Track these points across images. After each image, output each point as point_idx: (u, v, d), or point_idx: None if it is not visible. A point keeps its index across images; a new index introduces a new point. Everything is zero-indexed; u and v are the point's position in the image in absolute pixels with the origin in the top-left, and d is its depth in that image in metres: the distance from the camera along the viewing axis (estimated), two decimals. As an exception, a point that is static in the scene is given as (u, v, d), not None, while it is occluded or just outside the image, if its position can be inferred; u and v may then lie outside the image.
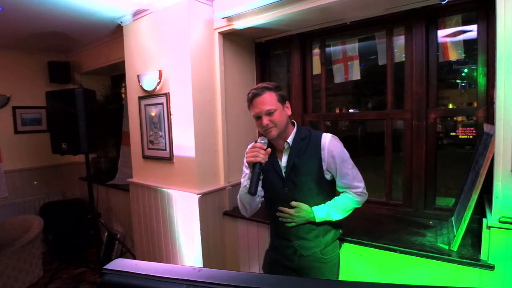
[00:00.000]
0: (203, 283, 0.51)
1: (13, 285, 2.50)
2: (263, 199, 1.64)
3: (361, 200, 1.56)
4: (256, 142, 1.47)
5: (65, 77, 3.78)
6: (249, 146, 1.48)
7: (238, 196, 1.59)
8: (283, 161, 1.52)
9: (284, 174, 1.51)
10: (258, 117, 1.44)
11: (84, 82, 3.81)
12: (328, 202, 1.54)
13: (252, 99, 1.44)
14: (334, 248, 1.61)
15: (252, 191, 1.38)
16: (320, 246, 1.55)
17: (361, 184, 1.54)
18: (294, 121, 1.57)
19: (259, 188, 1.52)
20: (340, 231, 1.67)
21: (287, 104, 1.50)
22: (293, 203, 1.50)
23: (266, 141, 1.46)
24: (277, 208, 1.54)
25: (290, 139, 1.50)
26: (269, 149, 1.42)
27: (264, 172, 1.48)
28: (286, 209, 1.51)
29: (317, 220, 1.50)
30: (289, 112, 1.50)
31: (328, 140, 1.49)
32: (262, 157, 1.39)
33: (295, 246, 1.55)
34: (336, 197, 1.57)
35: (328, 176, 1.52)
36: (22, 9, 2.37)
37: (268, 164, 1.49)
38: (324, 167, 1.49)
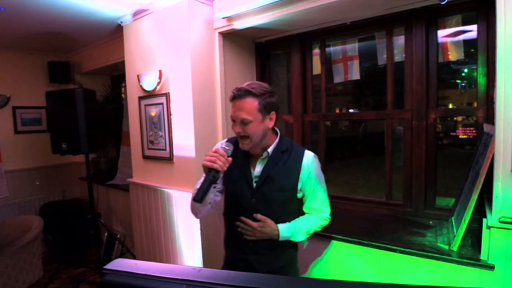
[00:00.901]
0: (203, 283, 0.51)
1: (13, 285, 2.50)
2: (216, 201, 1.50)
3: (324, 224, 1.50)
4: (222, 143, 1.38)
5: (65, 77, 3.78)
6: (215, 146, 1.39)
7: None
8: (257, 170, 1.39)
9: (254, 184, 1.38)
10: (233, 121, 1.33)
11: (84, 82, 3.81)
12: (293, 222, 1.42)
13: (231, 99, 1.32)
14: (294, 265, 1.52)
15: (197, 198, 1.23)
16: (278, 264, 1.43)
17: (328, 210, 1.49)
18: (278, 130, 1.44)
19: (213, 195, 1.40)
20: (297, 250, 1.54)
21: (272, 114, 1.33)
22: (259, 216, 1.36)
23: (232, 148, 1.33)
24: (238, 217, 1.40)
25: (270, 149, 1.38)
26: (230, 159, 1.28)
27: (230, 178, 1.39)
28: (250, 222, 1.36)
29: (280, 239, 1.38)
30: (270, 124, 1.34)
31: (310, 160, 1.40)
32: (220, 164, 1.24)
33: (250, 260, 1.41)
34: (301, 217, 1.45)
35: (299, 195, 1.43)
36: (22, 9, 2.38)
37: (238, 169, 1.39)
38: (299, 187, 1.40)
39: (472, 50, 1.86)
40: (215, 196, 1.45)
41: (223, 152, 1.27)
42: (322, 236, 1.91)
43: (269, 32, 2.45)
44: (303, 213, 1.49)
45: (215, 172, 1.24)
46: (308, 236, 1.48)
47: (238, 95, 1.29)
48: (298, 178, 1.39)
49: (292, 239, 1.41)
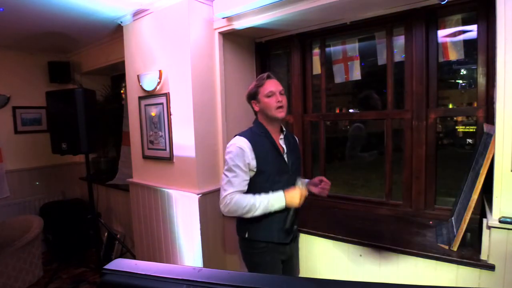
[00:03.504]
0: (203, 283, 0.51)
1: (13, 285, 2.50)
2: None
3: None
4: (240, 143, 1.57)
5: (65, 77, 3.78)
6: (231, 145, 1.58)
7: (252, 203, 1.52)
8: (284, 147, 1.67)
9: (286, 159, 1.66)
10: (272, 94, 1.58)
11: (84, 82, 3.81)
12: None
13: (267, 78, 1.62)
14: None
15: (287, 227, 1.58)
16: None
17: None
18: None
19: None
20: None
21: None
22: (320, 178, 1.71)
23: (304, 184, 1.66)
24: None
25: (283, 128, 1.73)
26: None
27: (269, 160, 1.60)
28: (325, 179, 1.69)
29: None
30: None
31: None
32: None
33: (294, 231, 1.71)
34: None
35: None
36: (22, 9, 2.38)
37: (273, 152, 1.62)
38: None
39: (472, 50, 1.86)
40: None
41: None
42: (322, 236, 1.91)
43: (269, 32, 2.45)
44: None
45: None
46: None
47: (270, 75, 1.64)
48: (298, 147, 1.82)
49: None
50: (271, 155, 1.60)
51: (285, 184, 1.59)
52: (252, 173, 1.58)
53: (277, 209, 1.55)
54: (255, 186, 1.59)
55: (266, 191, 1.57)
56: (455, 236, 1.55)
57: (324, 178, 1.69)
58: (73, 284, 2.97)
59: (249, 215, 1.53)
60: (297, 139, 1.85)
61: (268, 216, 1.57)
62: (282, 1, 1.95)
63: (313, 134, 2.52)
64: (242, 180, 1.55)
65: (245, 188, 1.57)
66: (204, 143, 2.31)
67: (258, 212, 1.52)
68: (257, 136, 1.61)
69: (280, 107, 1.58)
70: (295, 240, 1.80)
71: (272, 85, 1.59)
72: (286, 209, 1.57)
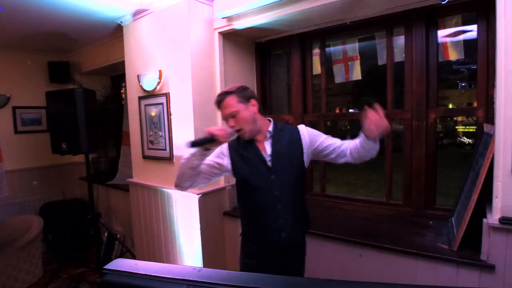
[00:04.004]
0: (203, 283, 0.51)
1: (13, 285, 2.50)
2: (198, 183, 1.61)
3: None
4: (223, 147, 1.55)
5: (65, 77, 3.78)
6: (215, 151, 1.57)
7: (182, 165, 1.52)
8: (267, 150, 1.55)
9: (269, 162, 1.52)
10: (225, 120, 1.52)
11: (84, 82, 3.81)
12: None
13: (217, 106, 1.54)
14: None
15: (194, 141, 1.42)
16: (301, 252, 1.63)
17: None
18: (270, 118, 1.62)
19: (200, 162, 1.53)
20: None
21: (252, 101, 1.53)
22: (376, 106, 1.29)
23: (235, 135, 1.52)
24: (261, 202, 1.51)
25: (270, 128, 1.57)
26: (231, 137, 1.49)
27: (246, 165, 1.53)
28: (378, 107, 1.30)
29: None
30: (255, 109, 1.53)
31: (303, 128, 1.60)
32: (222, 134, 1.44)
33: (282, 243, 1.53)
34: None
35: (306, 164, 1.58)
36: (22, 9, 2.37)
37: (251, 156, 1.53)
38: (305, 151, 1.55)
39: (472, 50, 1.86)
40: (201, 176, 1.57)
41: (229, 133, 1.47)
42: (322, 236, 1.91)
43: (269, 32, 2.45)
44: (306, 185, 1.67)
45: (212, 139, 1.43)
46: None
47: (219, 100, 1.52)
48: (301, 144, 1.57)
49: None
50: (251, 159, 1.54)
51: (267, 186, 1.51)
52: (230, 175, 1.60)
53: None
54: (237, 189, 1.62)
55: (245, 194, 1.58)
56: (455, 236, 1.55)
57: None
58: (73, 284, 2.97)
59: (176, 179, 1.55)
60: (300, 129, 1.60)
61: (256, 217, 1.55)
62: (282, 1, 1.95)
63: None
64: (206, 165, 1.56)
65: (205, 173, 1.57)
66: (204, 143, 2.31)
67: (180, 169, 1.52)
68: (237, 141, 1.58)
69: (236, 132, 1.50)
70: (294, 250, 1.58)
71: (222, 112, 1.53)
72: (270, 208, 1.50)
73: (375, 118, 1.29)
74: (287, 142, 1.57)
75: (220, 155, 1.59)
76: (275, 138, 1.56)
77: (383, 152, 2.18)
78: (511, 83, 1.33)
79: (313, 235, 1.94)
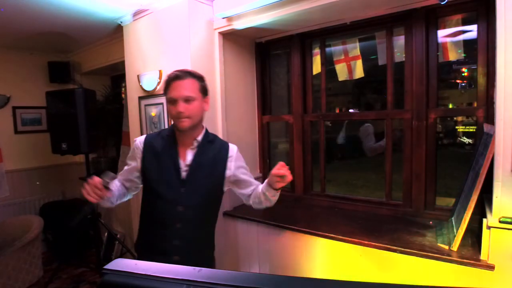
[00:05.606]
0: (203, 283, 0.51)
1: (13, 285, 2.50)
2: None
3: None
4: (141, 139, 1.41)
5: (65, 77, 3.78)
6: (134, 143, 1.45)
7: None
8: (188, 159, 1.40)
9: (184, 173, 1.38)
10: (174, 101, 1.31)
11: (84, 82, 3.81)
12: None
13: (171, 80, 1.32)
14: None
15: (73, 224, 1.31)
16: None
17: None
18: (204, 125, 1.49)
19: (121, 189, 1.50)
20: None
21: (207, 99, 1.42)
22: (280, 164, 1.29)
23: (110, 178, 1.30)
24: (162, 212, 1.41)
25: (200, 138, 1.42)
26: (107, 193, 1.29)
27: (155, 169, 1.40)
28: (282, 165, 1.28)
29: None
30: (207, 107, 1.42)
31: (235, 151, 1.49)
32: (93, 197, 1.23)
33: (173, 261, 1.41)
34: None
35: (225, 188, 1.51)
36: (22, 9, 2.37)
37: (165, 159, 1.39)
38: (226, 175, 1.46)
39: (472, 50, 1.86)
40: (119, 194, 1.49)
41: (98, 183, 1.23)
42: (322, 236, 1.91)
43: (269, 32, 2.45)
44: (219, 209, 1.60)
45: (91, 206, 1.27)
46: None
47: (178, 76, 1.32)
48: (225, 166, 1.45)
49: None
50: (164, 163, 1.39)
51: (172, 198, 1.38)
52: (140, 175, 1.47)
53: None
54: (143, 192, 1.52)
55: (147, 201, 1.50)
56: (455, 236, 1.55)
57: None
58: (73, 284, 2.97)
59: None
60: (231, 150, 1.48)
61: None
62: (282, 1, 1.95)
63: (313, 134, 2.52)
64: (128, 172, 1.49)
65: (130, 181, 1.51)
66: (204, 143, 2.30)
67: None
68: (160, 139, 1.43)
69: (179, 118, 1.31)
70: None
71: (175, 90, 1.31)
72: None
73: (282, 173, 1.26)
74: (212, 157, 1.42)
75: (134, 157, 1.45)
76: (201, 148, 1.41)
77: (383, 152, 2.18)
78: (511, 83, 1.33)
79: (313, 235, 1.94)
